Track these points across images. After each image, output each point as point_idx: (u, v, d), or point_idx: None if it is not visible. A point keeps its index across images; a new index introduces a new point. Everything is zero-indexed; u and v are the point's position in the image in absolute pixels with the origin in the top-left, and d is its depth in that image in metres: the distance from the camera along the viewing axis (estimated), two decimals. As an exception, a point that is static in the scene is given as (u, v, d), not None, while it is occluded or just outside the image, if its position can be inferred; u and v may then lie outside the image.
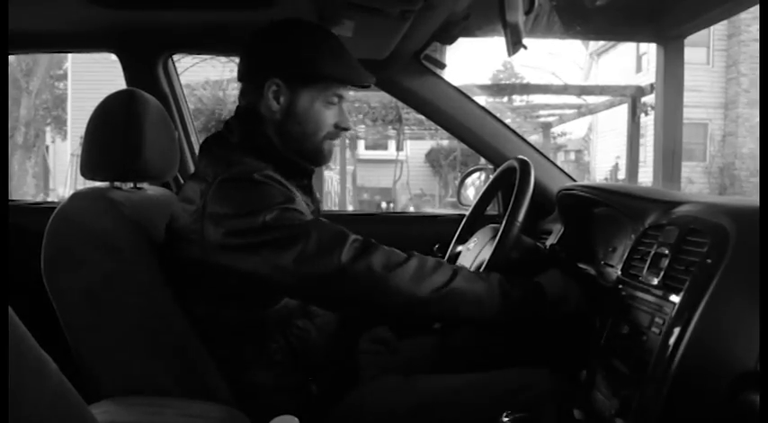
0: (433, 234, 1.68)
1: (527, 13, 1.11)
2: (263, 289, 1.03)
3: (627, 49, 14.05)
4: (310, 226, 0.97)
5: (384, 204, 11.46)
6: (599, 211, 1.29)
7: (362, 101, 8.37)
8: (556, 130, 11.56)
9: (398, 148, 10.66)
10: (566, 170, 1.73)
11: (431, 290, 0.97)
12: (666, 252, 0.89)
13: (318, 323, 1.12)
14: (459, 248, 1.47)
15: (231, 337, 1.05)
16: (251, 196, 0.98)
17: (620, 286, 1.00)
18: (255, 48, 1.12)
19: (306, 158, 1.13)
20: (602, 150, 14.80)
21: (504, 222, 1.17)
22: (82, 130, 1.19)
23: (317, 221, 1.01)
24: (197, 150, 1.86)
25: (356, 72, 1.12)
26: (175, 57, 1.81)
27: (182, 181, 1.34)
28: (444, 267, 1.01)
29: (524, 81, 15.72)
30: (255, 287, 1.01)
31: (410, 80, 1.71)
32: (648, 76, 10.02)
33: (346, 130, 1.15)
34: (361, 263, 0.95)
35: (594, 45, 15.18)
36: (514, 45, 1.12)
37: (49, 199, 11.33)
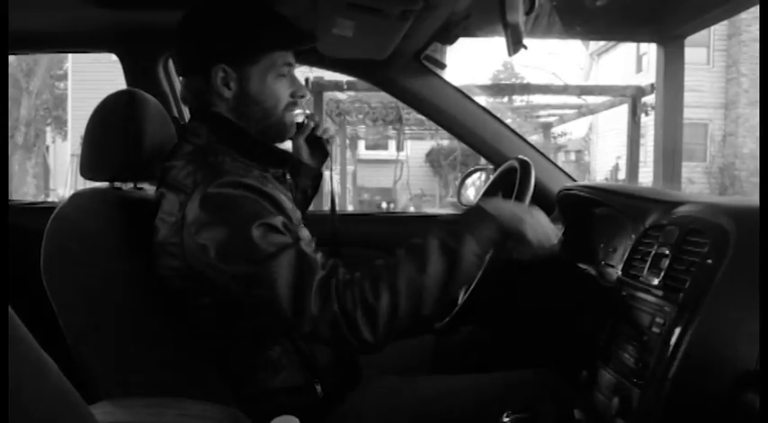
0: None
1: (527, 13, 1.11)
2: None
3: (627, 49, 14.05)
4: (289, 248, 0.91)
5: (384, 204, 11.46)
6: (599, 211, 1.29)
7: (362, 101, 8.35)
8: (556, 130, 11.54)
9: (399, 149, 10.65)
10: (566, 170, 1.73)
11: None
12: (667, 252, 0.89)
13: None
14: (460, 248, 1.46)
15: (233, 344, 1.04)
16: (232, 210, 0.93)
17: (621, 286, 1.00)
18: (191, 36, 1.07)
19: (272, 137, 1.10)
20: (602, 150, 14.80)
21: (504, 222, 1.17)
22: (82, 131, 1.18)
23: (294, 247, 0.92)
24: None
25: (296, 35, 1.08)
26: (176, 57, 1.81)
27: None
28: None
29: (524, 81, 15.74)
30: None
31: (410, 80, 1.71)
32: (648, 76, 10.01)
33: (303, 97, 1.10)
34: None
35: (595, 45, 15.19)
36: (515, 45, 1.12)
37: (50, 199, 11.34)
